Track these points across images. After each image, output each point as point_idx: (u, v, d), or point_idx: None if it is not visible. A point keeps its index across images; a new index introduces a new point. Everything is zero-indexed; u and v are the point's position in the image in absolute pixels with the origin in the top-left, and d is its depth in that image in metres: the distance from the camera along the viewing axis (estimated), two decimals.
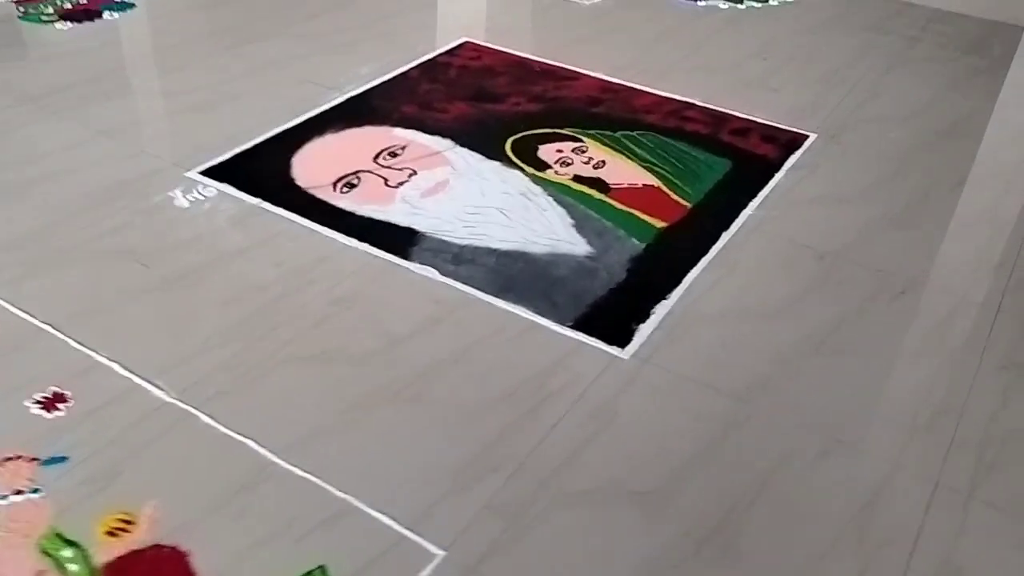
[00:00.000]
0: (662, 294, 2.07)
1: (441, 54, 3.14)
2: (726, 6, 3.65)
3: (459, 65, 3.08)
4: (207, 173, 2.41)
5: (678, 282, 2.11)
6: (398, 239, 2.20)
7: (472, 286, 2.06)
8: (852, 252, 2.23)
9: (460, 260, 2.14)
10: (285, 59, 3.02)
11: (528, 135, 2.68)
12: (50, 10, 3.25)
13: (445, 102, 2.83)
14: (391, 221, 2.27)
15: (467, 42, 3.24)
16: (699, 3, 3.67)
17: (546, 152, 2.59)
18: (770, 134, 2.74)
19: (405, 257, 2.14)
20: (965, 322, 2.03)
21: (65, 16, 3.22)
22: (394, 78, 2.96)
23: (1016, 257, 2.25)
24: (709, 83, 3.01)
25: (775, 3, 3.70)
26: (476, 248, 2.19)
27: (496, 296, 2.03)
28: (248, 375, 1.77)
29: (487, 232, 2.24)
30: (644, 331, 1.96)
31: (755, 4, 3.68)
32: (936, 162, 2.64)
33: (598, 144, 2.64)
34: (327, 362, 1.82)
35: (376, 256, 2.12)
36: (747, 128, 2.77)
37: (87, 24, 3.19)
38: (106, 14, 3.26)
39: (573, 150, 2.61)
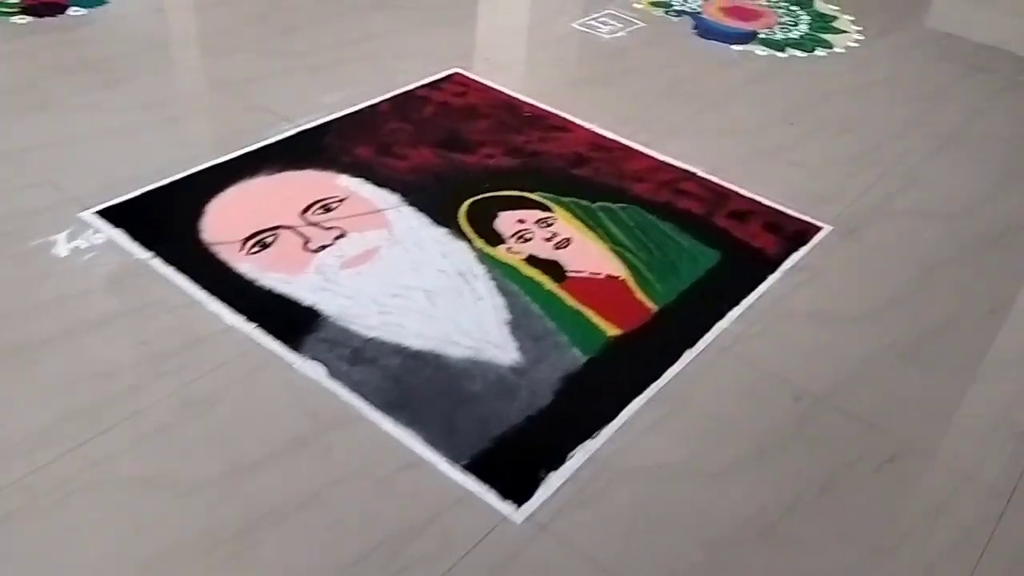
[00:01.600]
0: (589, 431, 1.69)
1: (422, 86, 2.78)
2: (764, 53, 3.21)
3: (439, 102, 2.72)
4: (104, 214, 2.10)
5: (612, 416, 1.72)
6: (295, 321, 1.86)
7: (361, 396, 1.70)
8: (839, 394, 1.81)
9: (359, 358, 1.79)
10: (244, 78, 2.69)
11: (491, 197, 2.31)
12: (14, 0, 3.00)
13: (408, 146, 2.48)
14: (294, 297, 1.93)
15: (456, 74, 2.87)
16: (734, 48, 3.24)
17: (505, 221, 2.22)
18: (775, 221, 2.33)
19: (295, 347, 1.80)
20: (964, 510, 1.61)
21: (28, 8, 2.96)
22: (360, 111, 2.61)
23: None
24: (719, 149, 2.59)
25: (822, 53, 3.26)
26: (383, 344, 1.83)
27: (386, 413, 1.67)
28: (45, 498, 1.44)
29: (403, 322, 1.88)
30: (552, 482, 1.58)
31: (798, 54, 3.24)
32: (973, 278, 2.19)
33: (569, 216, 2.26)
34: (148, 489, 1.48)
35: (260, 344, 1.78)
36: (749, 211, 2.35)
37: (47, 19, 2.91)
38: (72, 9, 2.98)
39: (537, 221, 2.23)
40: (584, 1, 3.46)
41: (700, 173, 2.48)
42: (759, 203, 2.39)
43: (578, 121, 2.68)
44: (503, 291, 2.00)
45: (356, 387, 1.72)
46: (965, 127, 2.85)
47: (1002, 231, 2.37)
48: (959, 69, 3.22)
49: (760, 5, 3.58)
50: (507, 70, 2.92)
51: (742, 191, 2.42)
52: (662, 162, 2.53)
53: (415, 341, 1.84)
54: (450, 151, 2.48)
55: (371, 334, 1.84)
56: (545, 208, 2.28)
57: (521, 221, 2.23)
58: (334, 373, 1.74)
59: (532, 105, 2.74)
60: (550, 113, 2.71)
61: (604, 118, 2.69)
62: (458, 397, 1.72)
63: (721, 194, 2.41)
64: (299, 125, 2.49)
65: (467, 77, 2.86)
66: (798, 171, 2.54)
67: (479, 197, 2.30)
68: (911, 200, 2.46)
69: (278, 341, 1.80)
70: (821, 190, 2.46)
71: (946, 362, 1.93)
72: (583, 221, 2.25)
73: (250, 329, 1.82)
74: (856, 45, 3.34)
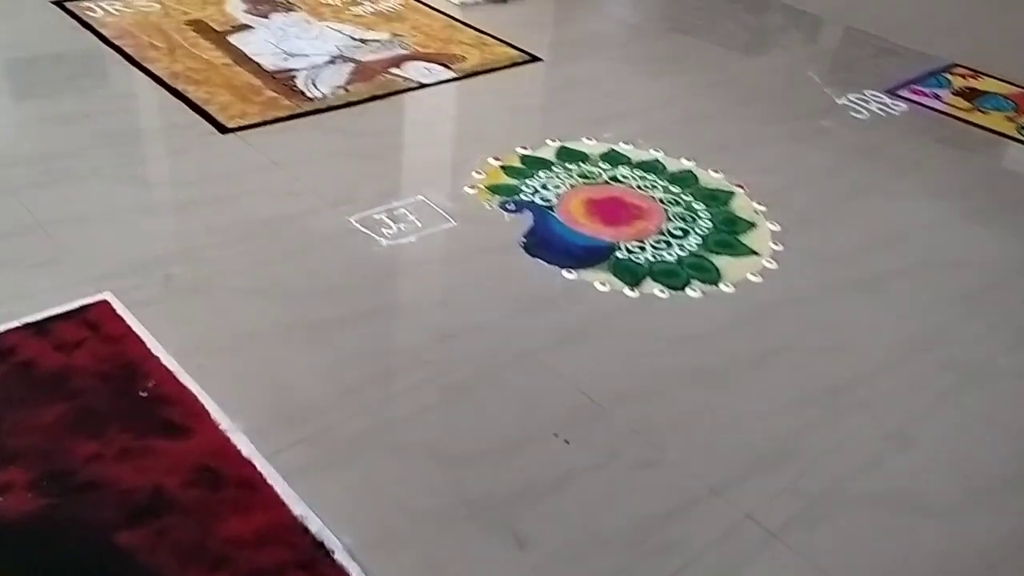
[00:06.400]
0: None
1: (27, 325, 1.80)
2: (605, 288, 2.10)
3: (21, 360, 1.72)
4: None
5: None
6: None
7: None
8: None
9: None
10: None
11: None
12: None
13: None
14: None
15: (103, 303, 1.89)
16: (566, 274, 2.15)
17: None
18: None
19: None
20: None
21: None
22: None
23: None
24: (415, 489, 1.50)
25: (696, 294, 2.10)
26: None
27: None
28: None
29: None
30: None
31: (659, 292, 2.11)
32: None
33: None
34: None
35: None
36: None
37: None
38: None
39: None
40: (403, 180, 2.44)
41: (341, 551, 1.42)
42: None
43: (216, 413, 1.65)
44: None
45: None
46: (850, 482, 1.68)
47: None
48: (902, 334, 2.03)
49: (651, 198, 2.48)
50: (186, 299, 1.91)
51: None
52: (294, 519, 1.47)
53: None
54: None
55: None
56: None
57: None
58: None
59: (168, 373, 1.73)
60: (184, 392, 1.68)
61: (269, 408, 1.66)
62: None
63: None
64: None
65: (113, 310, 1.88)
66: (513, 564, 1.44)
67: None
68: None
69: None
70: None
71: None
72: None
73: None
74: (757, 280, 2.19)
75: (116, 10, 3.19)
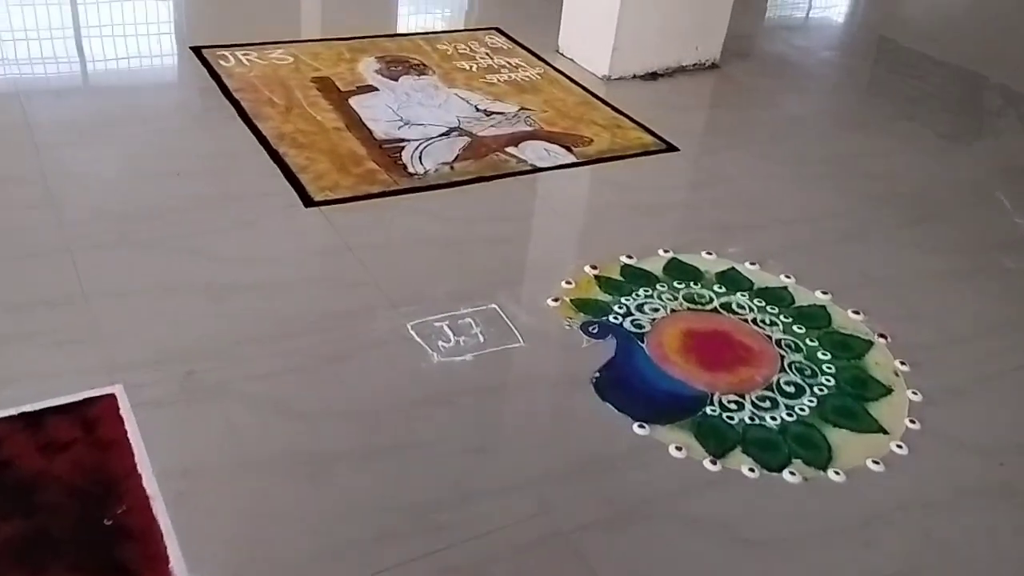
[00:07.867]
0: None
1: (22, 415, 1.65)
2: (681, 455, 1.71)
3: (1, 459, 1.58)
4: None
5: None
6: None
7: None
8: None
9: None
10: None
11: None
12: None
13: None
14: None
15: (110, 397, 1.71)
16: (638, 428, 1.78)
17: None
18: None
19: None
20: None
21: None
22: None
23: None
24: None
25: (794, 478, 1.68)
26: None
27: None
28: None
29: None
30: None
31: (747, 470, 1.70)
32: None
33: None
34: None
35: None
36: None
37: None
38: None
39: None
40: (480, 281, 2.15)
41: None
42: None
43: (175, 560, 1.41)
44: None
45: None
46: None
47: None
48: None
49: (766, 337, 2.07)
50: (198, 403, 1.69)
51: None
52: None
53: None
54: None
55: None
56: None
57: None
58: None
59: (144, 498, 1.51)
60: (151, 526, 1.45)
61: (237, 564, 1.41)
62: None
63: None
64: None
65: (117, 407, 1.69)
66: None
67: None
68: None
69: None
70: None
71: None
72: None
73: None
74: (878, 469, 1.73)
75: (248, 60, 3.13)
